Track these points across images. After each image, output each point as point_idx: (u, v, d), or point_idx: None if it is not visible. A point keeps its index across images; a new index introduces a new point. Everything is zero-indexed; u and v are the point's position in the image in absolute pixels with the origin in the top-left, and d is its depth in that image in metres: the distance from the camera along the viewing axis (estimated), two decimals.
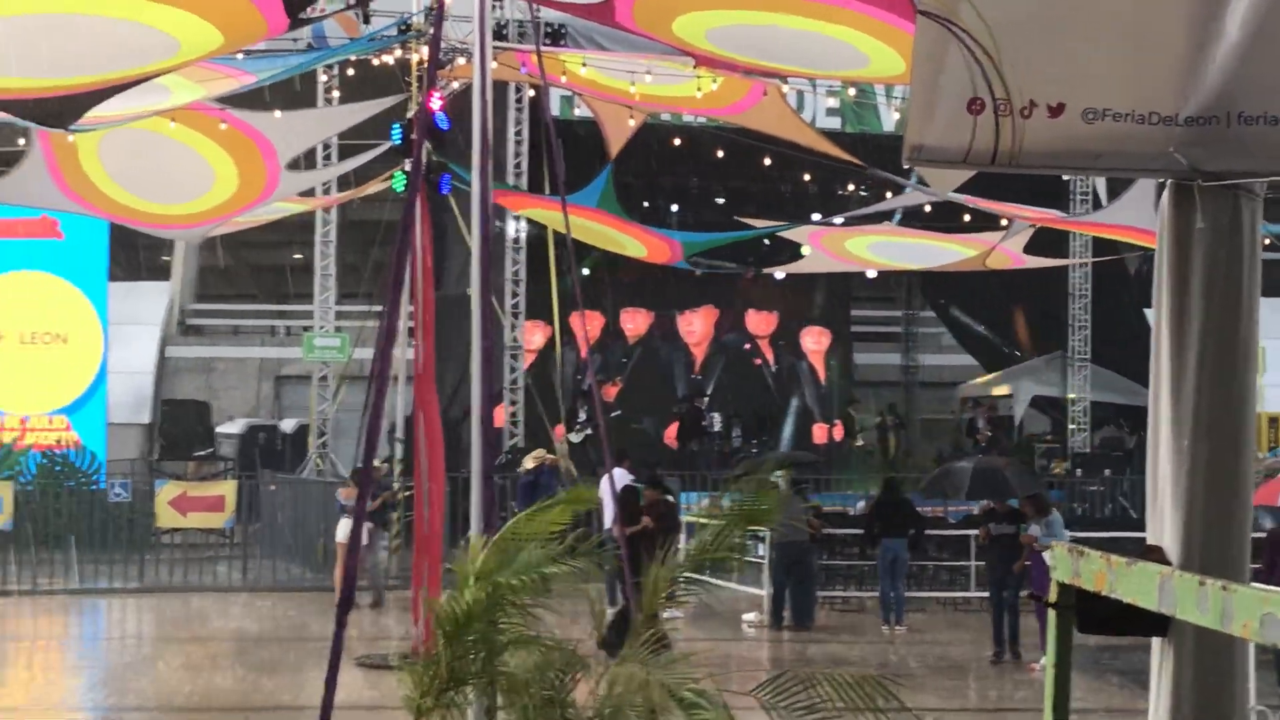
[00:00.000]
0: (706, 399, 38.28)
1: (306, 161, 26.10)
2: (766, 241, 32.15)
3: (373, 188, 25.69)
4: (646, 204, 35.99)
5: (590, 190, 25.35)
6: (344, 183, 30.61)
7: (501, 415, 30.24)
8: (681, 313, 40.61)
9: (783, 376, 41.44)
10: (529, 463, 25.91)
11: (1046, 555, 17.94)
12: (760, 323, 41.31)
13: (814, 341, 41.96)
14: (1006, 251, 26.12)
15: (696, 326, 40.91)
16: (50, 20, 14.37)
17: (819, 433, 39.91)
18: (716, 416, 37.53)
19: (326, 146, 30.33)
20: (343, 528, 23.05)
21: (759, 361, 41.35)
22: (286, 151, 21.68)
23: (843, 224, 29.10)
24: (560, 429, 32.26)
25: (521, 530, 8.42)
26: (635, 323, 40.44)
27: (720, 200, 38.10)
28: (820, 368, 41.71)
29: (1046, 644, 5.38)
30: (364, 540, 23.25)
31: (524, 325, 33.28)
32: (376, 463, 25.03)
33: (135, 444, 36.65)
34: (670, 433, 37.17)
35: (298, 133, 22.44)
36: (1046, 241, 27.68)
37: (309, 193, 27.81)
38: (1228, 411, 5.86)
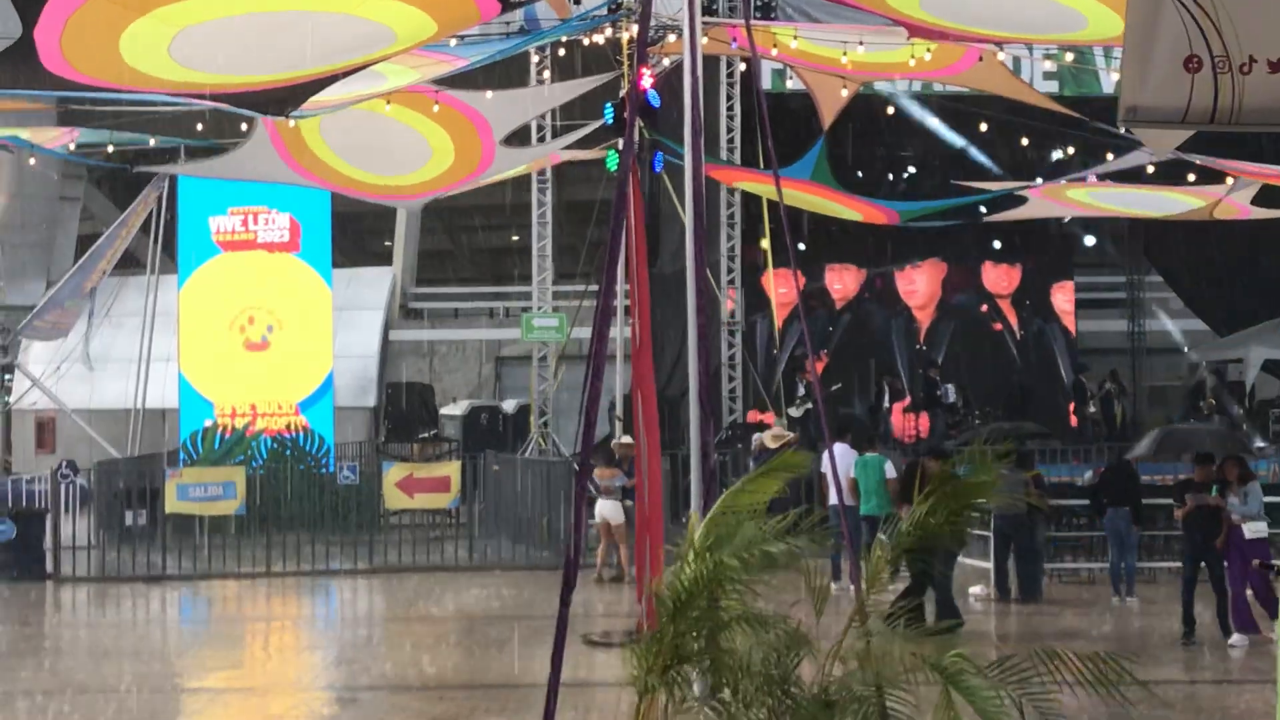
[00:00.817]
0: (937, 369, 34.72)
1: (521, 139, 26.36)
2: (983, 209, 31.63)
3: (592, 154, 25.82)
4: (861, 174, 35.36)
5: (804, 163, 25.27)
6: (558, 170, 30.90)
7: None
8: (900, 269, 36.64)
9: (1028, 343, 37.17)
10: (770, 442, 24.45)
11: (1246, 527, 17.50)
12: (999, 279, 37.04)
13: (1066, 300, 37.51)
14: (1233, 203, 25.54)
15: (920, 285, 36.69)
16: (274, 18, 14.71)
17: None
18: (950, 388, 33.78)
19: (540, 127, 30.60)
20: (600, 506, 23.34)
21: (999, 325, 37.09)
22: (501, 128, 21.99)
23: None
24: (754, 413, 31.85)
25: (736, 503, 8.37)
26: (844, 282, 36.37)
27: (935, 167, 36.59)
28: (1075, 331, 37.60)
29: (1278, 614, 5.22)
30: (610, 517, 23.56)
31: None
32: (625, 440, 25.36)
33: (361, 427, 37.40)
34: (898, 409, 33.94)
35: (512, 109, 22.75)
36: (1274, 197, 27.02)
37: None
38: None
